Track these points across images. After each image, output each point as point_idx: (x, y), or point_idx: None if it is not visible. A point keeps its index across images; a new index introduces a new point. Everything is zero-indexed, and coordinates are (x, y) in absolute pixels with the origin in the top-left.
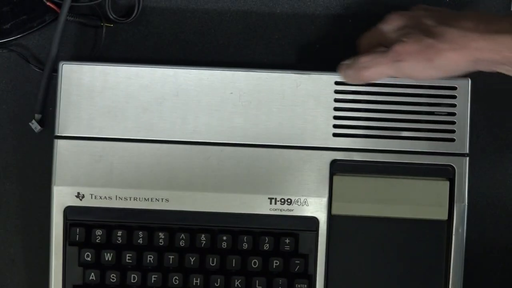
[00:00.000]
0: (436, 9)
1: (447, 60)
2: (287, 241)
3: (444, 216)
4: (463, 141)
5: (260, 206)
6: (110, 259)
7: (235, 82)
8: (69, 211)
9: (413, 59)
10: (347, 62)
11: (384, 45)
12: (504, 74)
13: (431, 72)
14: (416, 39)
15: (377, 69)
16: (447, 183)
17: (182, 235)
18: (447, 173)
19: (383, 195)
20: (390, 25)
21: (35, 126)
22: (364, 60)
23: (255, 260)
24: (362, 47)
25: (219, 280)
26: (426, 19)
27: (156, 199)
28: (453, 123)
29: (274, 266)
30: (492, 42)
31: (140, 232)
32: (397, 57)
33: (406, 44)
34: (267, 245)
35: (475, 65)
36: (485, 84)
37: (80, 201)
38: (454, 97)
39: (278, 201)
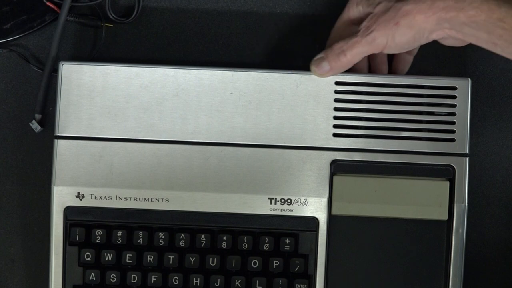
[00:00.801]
0: None
1: (414, 22)
2: (287, 241)
3: (444, 216)
4: (463, 141)
5: (260, 206)
6: (110, 259)
7: (235, 82)
8: (69, 211)
9: (382, 27)
10: (319, 56)
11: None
12: (501, 73)
13: (402, 39)
14: (382, 7)
15: (353, 50)
16: (447, 183)
17: (182, 235)
18: (447, 173)
19: (383, 195)
20: (356, 6)
21: (35, 126)
22: (338, 45)
23: (255, 260)
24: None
25: (219, 280)
26: None
27: (156, 199)
28: (453, 123)
29: (274, 266)
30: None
31: (140, 232)
32: (367, 30)
33: (374, 15)
34: (267, 245)
35: (442, 27)
36: (485, 84)
37: (80, 201)
38: (454, 97)
39: (278, 201)
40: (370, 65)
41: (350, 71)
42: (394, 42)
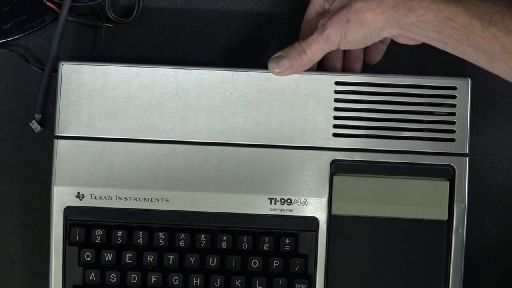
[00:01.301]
0: None
1: (364, 19)
2: (287, 241)
3: (444, 216)
4: (463, 141)
5: (260, 206)
6: (110, 259)
7: (235, 82)
8: (69, 211)
9: (335, 24)
10: (279, 53)
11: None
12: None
13: (353, 36)
14: (337, 3)
15: (312, 48)
16: (447, 183)
17: (182, 235)
18: (447, 173)
19: (383, 195)
20: (317, 3)
21: (35, 126)
22: (298, 44)
23: (255, 260)
24: (303, 34)
25: (219, 280)
26: None
27: (156, 199)
28: (453, 123)
29: (274, 266)
30: None
31: (140, 232)
32: (323, 28)
33: (329, 12)
34: (267, 245)
35: (392, 26)
36: (485, 84)
37: (80, 201)
38: (454, 97)
39: (278, 201)
40: (344, 63)
41: (325, 70)
42: (346, 39)
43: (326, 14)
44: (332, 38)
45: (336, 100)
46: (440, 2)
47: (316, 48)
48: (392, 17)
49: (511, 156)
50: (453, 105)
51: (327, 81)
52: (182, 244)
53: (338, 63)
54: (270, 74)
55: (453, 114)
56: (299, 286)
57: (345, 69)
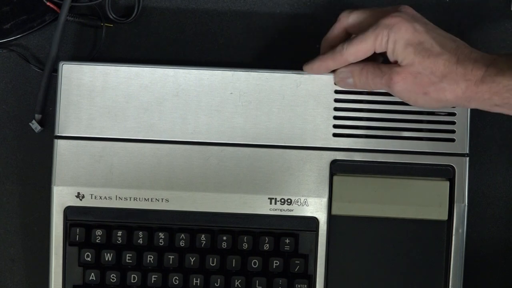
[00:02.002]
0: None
1: (443, 97)
2: (287, 241)
3: (444, 216)
4: (463, 141)
5: (260, 206)
6: (110, 259)
7: (235, 82)
8: (69, 211)
9: (408, 90)
10: (345, 69)
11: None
12: None
13: (421, 104)
14: (417, 67)
15: (375, 86)
16: (447, 183)
17: (182, 235)
18: (447, 173)
19: (383, 195)
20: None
21: (35, 126)
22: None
23: (255, 260)
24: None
25: (219, 280)
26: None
27: (156, 199)
28: (453, 123)
29: (274, 266)
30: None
31: (140, 232)
32: (391, 80)
33: (406, 68)
34: (267, 245)
35: (469, 104)
36: None
37: (80, 201)
38: None
39: (278, 201)
40: None
41: None
42: (411, 101)
43: (402, 67)
44: (397, 94)
45: (336, 100)
46: None
47: (376, 85)
48: (474, 99)
49: (511, 157)
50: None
51: (327, 81)
52: (182, 244)
53: None
54: (270, 74)
55: (453, 114)
56: (299, 286)
57: None
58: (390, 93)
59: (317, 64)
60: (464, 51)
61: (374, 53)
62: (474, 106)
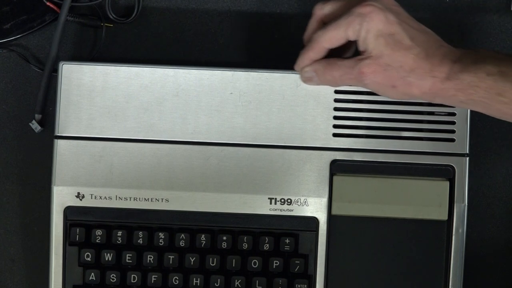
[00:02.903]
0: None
1: (410, 92)
2: (287, 241)
3: (444, 216)
4: (463, 141)
5: (260, 206)
6: (110, 259)
7: (235, 82)
8: (69, 211)
9: (377, 83)
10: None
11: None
12: None
13: (389, 96)
14: (385, 59)
15: (343, 82)
16: (447, 183)
17: (182, 235)
18: (447, 173)
19: (383, 195)
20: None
21: (35, 126)
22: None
23: (255, 260)
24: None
25: (219, 280)
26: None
27: (156, 199)
28: (453, 123)
29: (274, 266)
30: None
31: (140, 232)
32: (360, 73)
33: (374, 60)
34: (267, 245)
35: (435, 100)
36: None
37: (80, 201)
38: None
39: (278, 201)
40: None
41: None
42: (379, 93)
43: (370, 59)
44: (367, 86)
45: (336, 100)
46: (488, 79)
47: (343, 78)
48: (440, 95)
49: (511, 156)
50: (453, 105)
51: None
52: (182, 244)
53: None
54: (270, 74)
55: (453, 114)
56: (299, 286)
57: None
58: (360, 86)
59: (300, 59)
60: (433, 45)
61: (350, 41)
62: (439, 102)
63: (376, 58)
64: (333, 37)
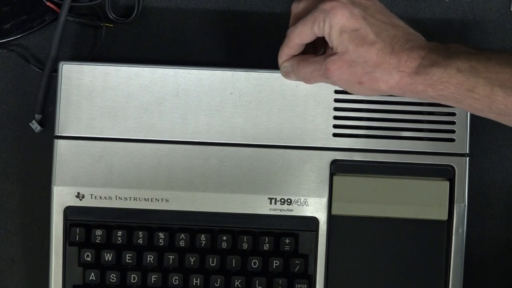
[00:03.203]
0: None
1: (377, 88)
2: (287, 241)
3: (444, 216)
4: (463, 141)
5: (260, 206)
6: (110, 259)
7: (235, 82)
8: (69, 211)
9: (343, 79)
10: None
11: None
12: None
13: (357, 92)
14: (351, 55)
15: (313, 80)
16: (447, 183)
17: (182, 235)
18: (447, 173)
19: (383, 195)
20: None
21: (35, 126)
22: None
23: (255, 260)
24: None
25: (219, 280)
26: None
27: (156, 199)
28: (453, 123)
29: (274, 266)
30: None
31: (140, 232)
32: (327, 69)
33: (340, 56)
34: (267, 245)
35: (405, 95)
36: None
37: (80, 201)
38: None
39: (278, 201)
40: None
41: None
42: (348, 90)
43: (337, 55)
44: (335, 83)
45: (336, 100)
46: (458, 75)
47: (313, 74)
48: (409, 90)
49: (511, 156)
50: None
51: None
52: (182, 244)
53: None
54: (270, 74)
55: (453, 114)
56: (299, 286)
57: None
58: (329, 83)
59: (279, 54)
60: (401, 39)
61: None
62: (409, 96)
63: (341, 54)
64: (301, 33)
